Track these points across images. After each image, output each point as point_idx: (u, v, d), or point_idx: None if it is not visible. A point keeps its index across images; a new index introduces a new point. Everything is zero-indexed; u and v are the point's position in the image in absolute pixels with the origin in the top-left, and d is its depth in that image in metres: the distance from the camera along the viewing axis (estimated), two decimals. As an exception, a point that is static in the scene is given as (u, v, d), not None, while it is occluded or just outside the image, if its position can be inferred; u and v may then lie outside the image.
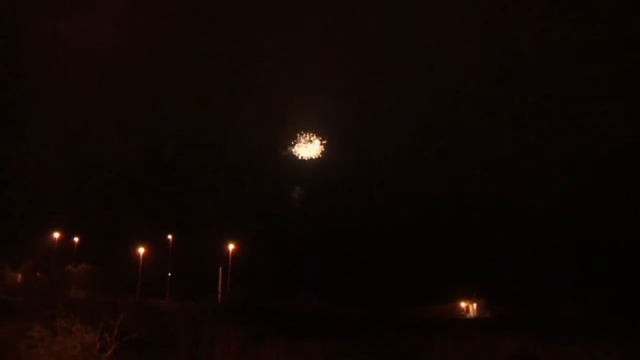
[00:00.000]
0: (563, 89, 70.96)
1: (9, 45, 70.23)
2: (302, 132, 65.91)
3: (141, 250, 57.23)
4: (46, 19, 66.05)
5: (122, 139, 72.05)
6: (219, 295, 49.12)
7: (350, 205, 72.95)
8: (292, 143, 66.56)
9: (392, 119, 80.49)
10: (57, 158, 68.32)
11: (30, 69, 78.27)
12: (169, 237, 61.88)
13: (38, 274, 45.66)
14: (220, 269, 54.31)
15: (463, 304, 57.18)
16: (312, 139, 65.11)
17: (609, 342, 26.19)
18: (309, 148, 65.40)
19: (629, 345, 26.18)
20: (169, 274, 58.55)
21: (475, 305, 56.63)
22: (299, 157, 65.84)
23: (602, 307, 41.58)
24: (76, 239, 61.56)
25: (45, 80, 76.23)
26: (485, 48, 72.98)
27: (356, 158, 79.60)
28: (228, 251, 55.98)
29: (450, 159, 76.83)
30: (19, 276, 48.52)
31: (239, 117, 78.14)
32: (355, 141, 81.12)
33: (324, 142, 65.83)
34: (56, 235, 59.85)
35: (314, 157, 65.35)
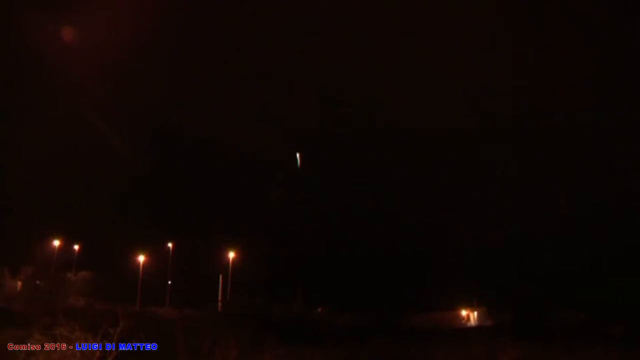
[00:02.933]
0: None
1: (9, 47, 70.51)
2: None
3: (141, 258, 57.19)
4: (45, 19, 66.26)
5: (123, 144, 72.22)
6: (219, 303, 49.02)
7: (351, 212, 73.00)
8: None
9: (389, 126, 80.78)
10: (57, 164, 68.44)
11: (29, 73, 78.57)
12: (169, 244, 61.94)
13: (38, 282, 45.62)
14: (221, 276, 54.29)
15: (464, 312, 56.89)
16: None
17: (609, 350, 26.13)
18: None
19: (630, 353, 26.12)
20: (169, 282, 58.53)
21: (476, 313, 56.33)
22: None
23: (603, 315, 41.44)
24: (76, 247, 61.61)
25: (44, 84, 76.46)
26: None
27: (357, 164, 79.73)
28: (228, 259, 55.95)
29: (449, 165, 77.03)
30: (19, 283, 48.48)
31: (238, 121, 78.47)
32: (355, 146, 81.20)
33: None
34: (56, 242, 59.90)
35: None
